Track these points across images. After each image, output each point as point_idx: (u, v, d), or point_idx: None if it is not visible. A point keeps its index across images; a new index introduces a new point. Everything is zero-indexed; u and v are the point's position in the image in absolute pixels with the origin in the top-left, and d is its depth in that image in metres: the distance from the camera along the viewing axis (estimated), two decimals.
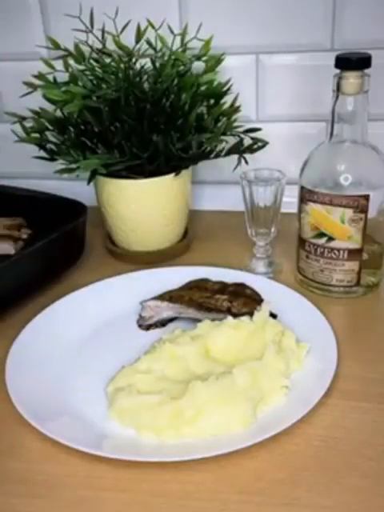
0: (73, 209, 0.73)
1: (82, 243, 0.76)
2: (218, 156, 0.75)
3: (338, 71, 0.60)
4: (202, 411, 0.48)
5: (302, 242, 0.67)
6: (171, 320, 0.63)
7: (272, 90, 0.84)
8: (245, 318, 0.58)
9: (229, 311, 0.60)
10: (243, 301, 0.61)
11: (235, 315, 0.59)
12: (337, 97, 0.61)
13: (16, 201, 0.80)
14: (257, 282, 0.66)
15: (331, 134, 0.63)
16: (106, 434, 0.49)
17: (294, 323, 0.59)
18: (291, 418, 0.48)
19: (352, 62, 0.59)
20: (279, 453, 0.47)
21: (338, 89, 0.60)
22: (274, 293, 0.64)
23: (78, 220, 0.72)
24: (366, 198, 0.61)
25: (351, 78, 0.59)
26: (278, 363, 0.53)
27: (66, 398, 0.53)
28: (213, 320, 0.59)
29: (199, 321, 0.59)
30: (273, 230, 0.71)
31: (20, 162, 0.88)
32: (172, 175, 0.73)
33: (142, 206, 0.74)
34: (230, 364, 0.53)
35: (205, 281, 0.66)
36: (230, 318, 0.58)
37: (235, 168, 0.74)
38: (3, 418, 0.52)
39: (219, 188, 0.90)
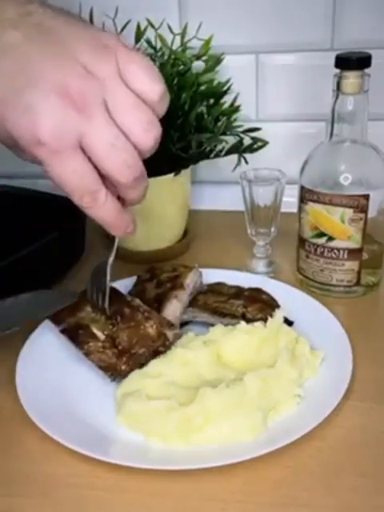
0: (73, 209, 0.73)
1: (82, 243, 0.76)
2: (217, 156, 0.75)
3: (338, 71, 0.60)
4: (210, 419, 0.48)
5: (301, 241, 0.67)
6: (185, 324, 0.62)
7: (272, 90, 0.84)
8: (258, 324, 0.57)
9: (243, 317, 0.59)
10: (259, 306, 0.60)
11: (250, 321, 0.58)
12: (337, 96, 0.61)
13: (16, 201, 0.80)
14: (271, 286, 0.65)
15: (331, 133, 0.63)
16: (113, 439, 0.49)
17: (308, 329, 0.58)
18: (302, 429, 0.47)
19: (352, 62, 0.59)
20: (280, 452, 0.46)
21: (338, 88, 0.60)
22: (289, 298, 0.63)
23: (78, 220, 0.72)
24: (366, 197, 0.61)
25: (351, 78, 0.59)
26: (290, 371, 0.52)
27: (74, 400, 0.53)
28: (226, 325, 0.58)
29: (213, 325, 0.59)
30: (273, 229, 0.71)
31: (20, 161, 0.87)
32: (172, 175, 0.73)
33: (142, 205, 0.74)
34: (241, 370, 0.52)
35: (220, 285, 0.65)
36: (242, 323, 0.57)
37: (235, 168, 0.74)
38: (10, 417, 0.52)
39: (219, 188, 0.90)
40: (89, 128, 0.39)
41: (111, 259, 0.55)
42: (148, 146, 0.42)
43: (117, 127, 0.40)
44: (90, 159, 0.41)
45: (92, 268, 0.59)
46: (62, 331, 0.57)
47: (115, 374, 0.53)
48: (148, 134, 0.42)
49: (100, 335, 0.55)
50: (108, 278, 0.55)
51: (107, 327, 0.55)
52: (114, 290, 0.59)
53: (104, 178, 0.43)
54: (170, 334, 0.55)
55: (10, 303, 0.56)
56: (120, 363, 0.53)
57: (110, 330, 0.55)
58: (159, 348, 0.55)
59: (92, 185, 0.42)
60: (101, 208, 0.44)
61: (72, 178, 0.41)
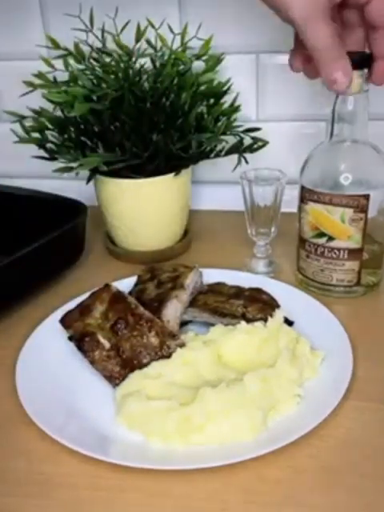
0: (73, 209, 0.73)
1: (81, 243, 0.76)
2: (217, 156, 0.75)
3: None
4: (211, 418, 0.48)
5: (302, 241, 0.67)
6: (185, 324, 0.62)
7: (272, 90, 0.84)
8: (258, 324, 0.57)
9: (244, 317, 0.59)
10: (259, 306, 0.60)
11: (250, 321, 0.58)
12: (337, 96, 0.61)
13: (16, 201, 0.80)
14: (271, 286, 0.65)
15: (331, 133, 0.63)
16: (113, 439, 0.49)
17: (308, 329, 0.58)
18: (302, 429, 0.47)
19: (352, 62, 0.58)
20: (280, 452, 0.46)
21: None
22: (290, 298, 0.63)
23: (77, 220, 0.72)
24: (366, 197, 0.61)
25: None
26: (291, 371, 0.52)
27: (74, 400, 0.53)
28: (226, 325, 0.58)
29: (213, 325, 0.59)
30: (273, 229, 0.71)
31: (20, 161, 0.88)
32: (172, 175, 0.73)
33: (142, 205, 0.74)
34: (241, 370, 0.52)
35: (220, 285, 0.65)
36: (243, 323, 0.57)
37: (235, 168, 0.74)
38: (10, 418, 0.52)
39: (219, 188, 0.90)
40: None
41: None
42: None
43: None
44: None
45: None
46: (70, 338, 0.57)
47: (119, 382, 0.53)
48: None
49: (105, 343, 0.55)
50: None
51: (113, 335, 0.55)
52: (118, 294, 0.59)
53: None
54: (172, 344, 0.55)
55: None
56: (123, 373, 0.54)
57: (114, 338, 0.55)
58: (162, 357, 0.54)
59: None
60: None
61: None
